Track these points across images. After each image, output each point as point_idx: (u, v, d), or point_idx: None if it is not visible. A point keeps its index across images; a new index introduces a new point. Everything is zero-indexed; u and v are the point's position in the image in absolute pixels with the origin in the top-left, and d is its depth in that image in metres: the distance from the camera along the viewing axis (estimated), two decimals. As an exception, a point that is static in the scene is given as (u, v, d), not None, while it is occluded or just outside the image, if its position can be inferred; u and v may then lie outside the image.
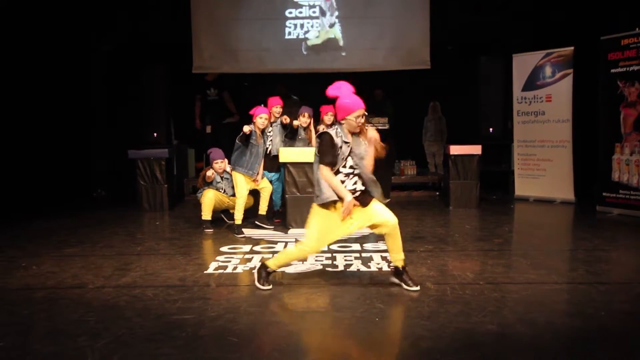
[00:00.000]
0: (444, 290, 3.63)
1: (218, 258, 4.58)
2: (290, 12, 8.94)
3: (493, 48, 9.08)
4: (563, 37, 7.55)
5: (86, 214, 7.05)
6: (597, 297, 3.48)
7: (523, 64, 7.86)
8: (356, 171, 3.56)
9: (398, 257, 3.66)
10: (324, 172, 3.48)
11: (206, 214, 5.80)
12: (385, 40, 8.90)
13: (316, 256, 4.59)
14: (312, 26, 8.94)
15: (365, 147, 3.58)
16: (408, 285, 3.62)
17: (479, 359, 2.61)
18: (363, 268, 4.22)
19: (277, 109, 6.08)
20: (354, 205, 3.50)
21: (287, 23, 8.93)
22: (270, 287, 3.69)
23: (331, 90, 3.60)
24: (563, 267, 4.36)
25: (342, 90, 3.60)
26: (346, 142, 3.52)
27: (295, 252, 3.75)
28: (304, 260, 4.27)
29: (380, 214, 3.55)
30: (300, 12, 8.93)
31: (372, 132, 3.62)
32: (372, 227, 3.63)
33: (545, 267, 4.19)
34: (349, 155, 3.53)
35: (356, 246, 4.96)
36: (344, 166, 3.55)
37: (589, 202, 7.06)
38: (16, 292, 3.72)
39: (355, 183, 3.57)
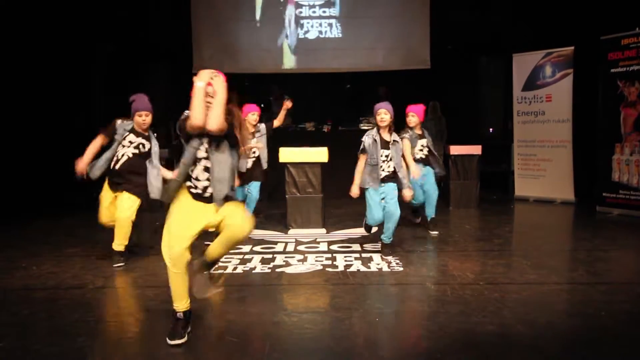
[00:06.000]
0: (444, 290, 3.63)
1: (218, 258, 4.57)
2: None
3: (493, 48, 9.09)
4: (563, 37, 7.55)
5: (86, 214, 7.04)
6: (597, 297, 3.47)
7: (523, 63, 7.86)
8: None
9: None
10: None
11: None
12: (385, 40, 8.91)
13: (316, 256, 4.60)
14: (312, 26, 8.95)
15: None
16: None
17: (479, 359, 2.61)
18: (363, 268, 4.22)
19: (253, 117, 5.61)
20: None
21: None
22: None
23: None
24: (563, 267, 4.36)
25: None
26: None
27: None
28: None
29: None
30: (301, 12, 8.94)
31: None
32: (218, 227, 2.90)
33: (545, 267, 4.19)
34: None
35: (356, 246, 4.96)
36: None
37: (589, 202, 7.06)
38: (16, 292, 3.72)
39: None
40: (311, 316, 3.22)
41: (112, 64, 8.97)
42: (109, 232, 5.74)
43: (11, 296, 3.63)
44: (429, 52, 8.76)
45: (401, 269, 4.19)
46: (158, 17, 9.02)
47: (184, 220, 2.79)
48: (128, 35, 8.90)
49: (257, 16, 8.93)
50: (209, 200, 2.83)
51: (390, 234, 4.61)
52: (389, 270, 4.15)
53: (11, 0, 7.15)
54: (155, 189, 4.40)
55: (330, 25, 8.95)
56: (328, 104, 9.29)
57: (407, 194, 4.55)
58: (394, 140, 4.62)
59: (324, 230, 5.70)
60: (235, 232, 2.75)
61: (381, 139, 4.56)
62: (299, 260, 4.45)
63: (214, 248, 2.81)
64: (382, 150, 4.52)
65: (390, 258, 4.49)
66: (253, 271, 4.20)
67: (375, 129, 4.64)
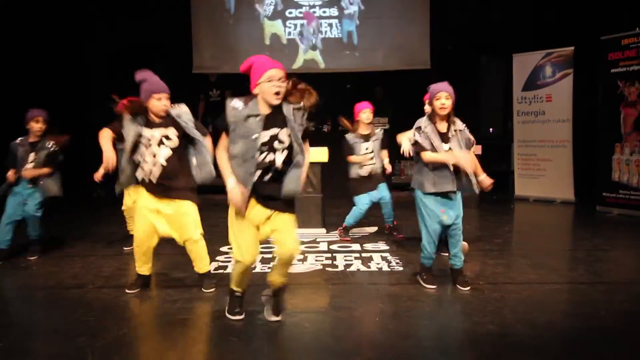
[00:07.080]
0: (444, 290, 3.63)
1: (218, 258, 4.58)
2: (290, 12, 8.95)
3: (493, 48, 9.08)
4: (563, 37, 7.55)
5: (86, 214, 7.05)
6: (597, 297, 3.47)
7: (523, 63, 7.86)
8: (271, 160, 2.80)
9: (276, 280, 3.05)
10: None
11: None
12: (385, 40, 8.90)
13: (316, 256, 4.59)
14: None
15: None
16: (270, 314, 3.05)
17: (479, 359, 2.61)
18: (363, 268, 4.22)
19: (365, 115, 5.31)
20: (244, 197, 2.74)
21: (287, 23, 8.94)
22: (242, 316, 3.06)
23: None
24: (563, 267, 4.36)
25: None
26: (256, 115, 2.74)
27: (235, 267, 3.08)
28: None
29: (282, 232, 2.93)
30: (300, 12, 8.94)
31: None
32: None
33: (545, 267, 4.19)
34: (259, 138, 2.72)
35: (356, 246, 4.96)
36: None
37: (589, 202, 7.06)
38: (16, 292, 3.72)
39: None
40: (311, 316, 3.22)
41: (111, 65, 8.97)
42: (108, 230, 5.75)
43: (11, 296, 3.63)
44: (429, 52, 8.75)
45: (401, 268, 4.18)
46: (158, 17, 9.01)
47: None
48: (128, 35, 8.90)
49: (257, 16, 8.93)
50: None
51: (461, 256, 3.61)
52: (389, 270, 4.15)
53: (11, 0, 7.15)
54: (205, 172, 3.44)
55: (330, 25, 8.95)
56: (328, 104, 9.31)
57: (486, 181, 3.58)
58: (455, 130, 3.53)
59: (323, 230, 5.69)
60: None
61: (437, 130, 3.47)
62: (298, 260, 4.44)
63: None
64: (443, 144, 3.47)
65: (390, 258, 4.48)
66: (253, 271, 4.18)
67: (425, 118, 3.59)
